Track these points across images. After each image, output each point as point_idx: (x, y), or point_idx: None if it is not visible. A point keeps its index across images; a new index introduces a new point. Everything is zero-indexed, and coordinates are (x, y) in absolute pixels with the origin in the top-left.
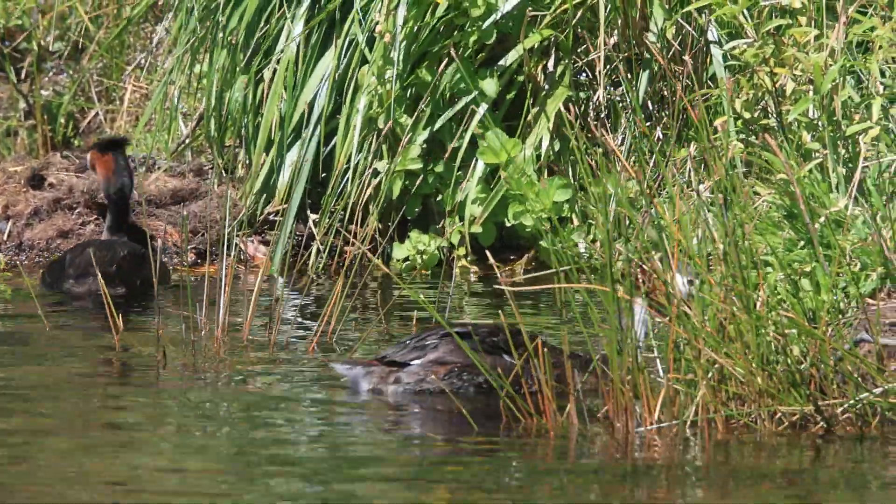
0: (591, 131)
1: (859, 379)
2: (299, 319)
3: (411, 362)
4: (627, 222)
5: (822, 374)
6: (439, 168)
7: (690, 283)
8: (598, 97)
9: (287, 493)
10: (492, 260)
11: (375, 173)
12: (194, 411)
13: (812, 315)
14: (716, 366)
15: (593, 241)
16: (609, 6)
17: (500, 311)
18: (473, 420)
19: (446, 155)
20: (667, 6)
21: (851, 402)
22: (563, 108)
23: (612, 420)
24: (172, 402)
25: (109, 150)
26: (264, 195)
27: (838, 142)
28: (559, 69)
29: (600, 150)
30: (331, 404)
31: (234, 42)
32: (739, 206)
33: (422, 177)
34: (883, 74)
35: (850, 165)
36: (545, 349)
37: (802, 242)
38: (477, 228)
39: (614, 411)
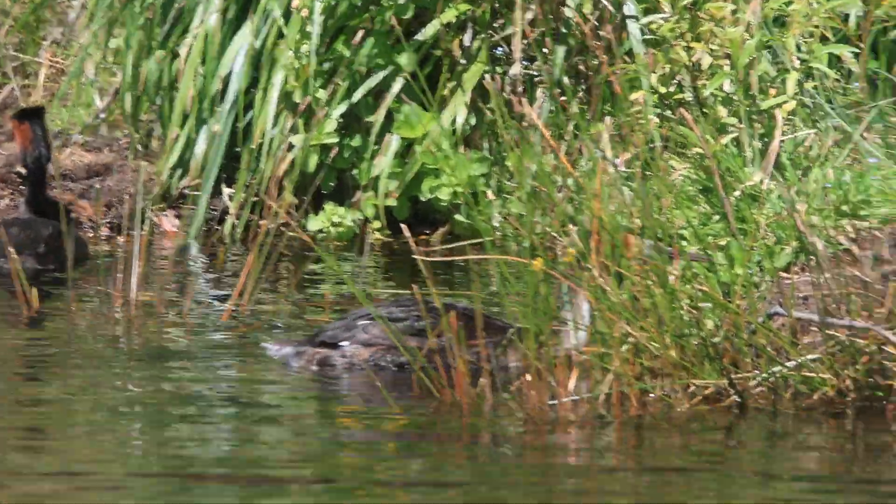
0: (508, 105)
1: (773, 352)
2: (214, 291)
3: (341, 343)
4: (545, 196)
5: (735, 347)
6: (355, 142)
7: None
8: (515, 72)
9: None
10: (407, 233)
11: (291, 147)
12: (104, 393)
13: (726, 289)
14: (630, 339)
15: (508, 215)
16: None
17: (413, 285)
18: (392, 397)
19: (362, 129)
20: None
21: (764, 375)
22: (485, 82)
23: (525, 394)
24: (81, 383)
25: (27, 118)
26: (179, 170)
27: (754, 116)
28: (476, 44)
29: (517, 124)
30: (253, 383)
31: (150, 17)
32: (657, 180)
33: (337, 151)
34: (799, 49)
35: (766, 140)
36: (460, 322)
37: (717, 216)
38: (392, 202)
39: (528, 384)
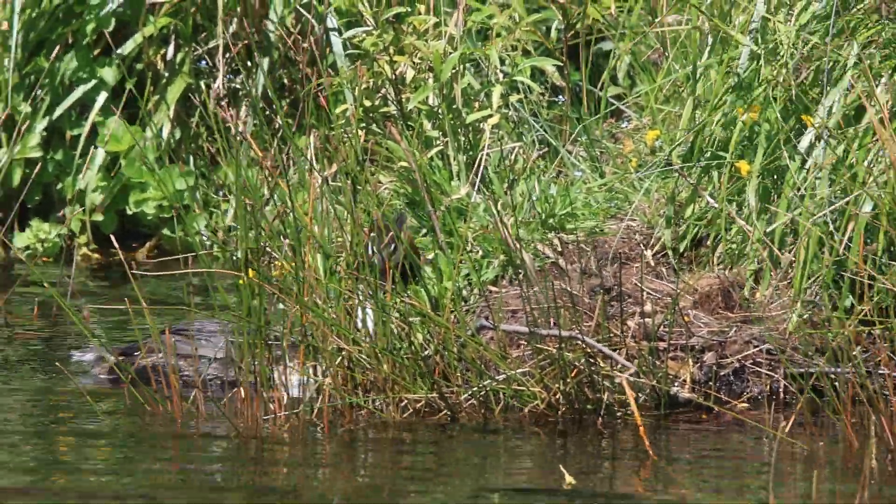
0: (212, 118)
1: (482, 366)
2: None
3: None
4: (250, 209)
5: (446, 361)
6: (59, 156)
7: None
8: (219, 85)
9: None
10: (116, 245)
11: None
12: None
13: (435, 302)
14: (343, 353)
15: (214, 231)
16: None
17: (125, 299)
18: (104, 411)
19: (67, 143)
20: None
21: (475, 389)
22: (191, 96)
23: (240, 409)
24: None
25: None
26: None
27: (459, 129)
28: (179, 56)
29: (221, 137)
30: None
31: None
32: (365, 194)
33: (41, 165)
34: (503, 62)
35: (472, 153)
36: (172, 335)
37: (425, 230)
38: (98, 216)
39: (242, 400)
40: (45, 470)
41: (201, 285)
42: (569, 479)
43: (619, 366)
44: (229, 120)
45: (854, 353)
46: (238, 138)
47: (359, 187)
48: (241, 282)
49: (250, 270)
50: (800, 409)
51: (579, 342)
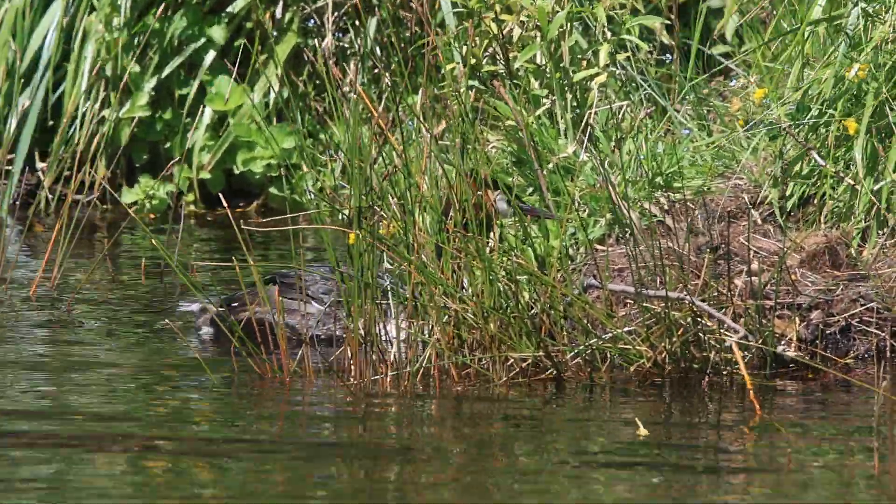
0: (320, 78)
1: (588, 325)
2: (29, 263)
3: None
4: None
5: (552, 320)
6: (168, 115)
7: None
8: (327, 43)
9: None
10: (224, 203)
11: (104, 121)
12: None
13: (542, 261)
14: (450, 312)
15: (321, 189)
16: None
17: (232, 257)
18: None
19: (175, 102)
20: None
21: (581, 347)
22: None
23: (347, 368)
24: None
25: None
26: None
27: (566, 88)
28: (287, 16)
29: (328, 97)
30: (63, 351)
31: None
32: (473, 152)
33: (150, 124)
34: (610, 20)
35: (579, 112)
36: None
37: (532, 188)
38: (206, 174)
39: (349, 358)
40: (152, 420)
41: (310, 246)
42: (642, 429)
43: (727, 327)
44: (339, 77)
45: None
46: (350, 95)
47: (468, 146)
48: (349, 240)
49: (359, 228)
50: None
51: (687, 303)
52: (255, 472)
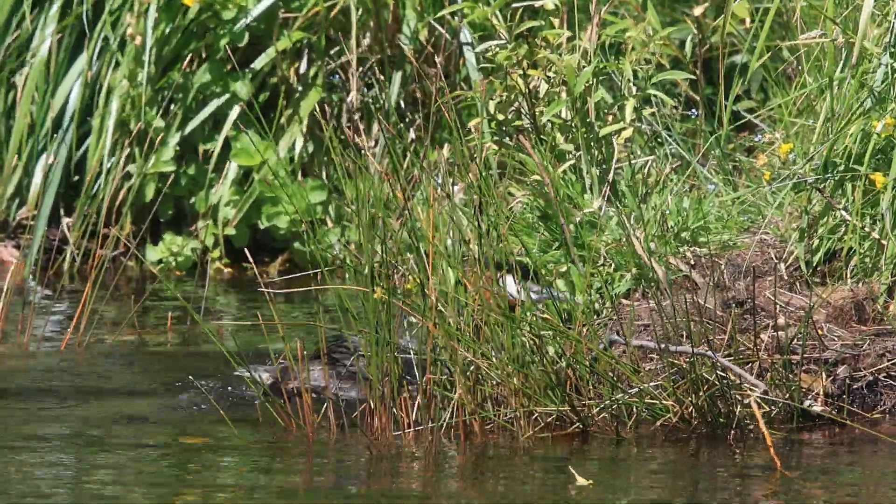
0: (344, 133)
1: (614, 379)
2: (53, 321)
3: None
4: (381, 224)
5: (577, 374)
6: (192, 170)
7: (535, 292)
8: (351, 99)
9: None
10: (250, 258)
11: (128, 176)
12: None
13: (567, 316)
14: (472, 367)
15: (347, 243)
16: (360, 9)
17: (256, 313)
18: (236, 426)
19: (199, 157)
20: (419, 9)
21: (607, 402)
22: (317, 109)
23: (368, 422)
24: None
25: None
26: (17, 199)
27: (592, 143)
28: (312, 71)
29: (353, 151)
30: (90, 415)
31: None
32: (494, 208)
33: (175, 179)
34: (635, 75)
35: (604, 166)
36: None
37: (557, 243)
38: (231, 230)
39: (371, 413)
40: (177, 483)
41: (332, 304)
42: (581, 480)
43: (749, 382)
44: (356, 138)
45: None
46: (367, 153)
47: (486, 201)
48: (371, 296)
49: (377, 286)
50: None
51: (709, 358)
52: None
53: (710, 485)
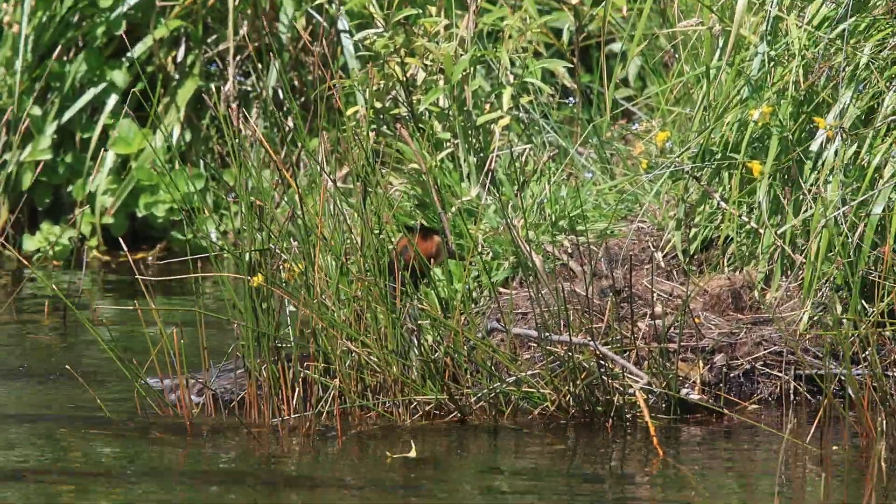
0: (223, 122)
1: (492, 368)
2: None
3: None
4: (260, 211)
5: (455, 363)
6: (69, 159)
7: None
8: (229, 87)
9: None
10: (125, 249)
11: (5, 164)
12: None
13: (445, 304)
14: (352, 355)
15: (224, 232)
16: None
17: (134, 301)
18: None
19: (77, 146)
20: None
21: (485, 391)
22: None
23: (246, 411)
24: None
25: None
26: None
27: (469, 131)
28: (189, 59)
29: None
30: None
31: None
32: (377, 196)
33: (52, 167)
34: (513, 64)
35: (482, 155)
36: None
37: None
38: (108, 219)
39: (249, 402)
40: (46, 458)
41: (212, 291)
42: (414, 451)
43: (630, 373)
44: (239, 122)
45: (868, 354)
46: (249, 141)
47: (369, 189)
48: (251, 284)
49: (258, 273)
50: (815, 412)
51: (591, 348)
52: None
53: (590, 471)
